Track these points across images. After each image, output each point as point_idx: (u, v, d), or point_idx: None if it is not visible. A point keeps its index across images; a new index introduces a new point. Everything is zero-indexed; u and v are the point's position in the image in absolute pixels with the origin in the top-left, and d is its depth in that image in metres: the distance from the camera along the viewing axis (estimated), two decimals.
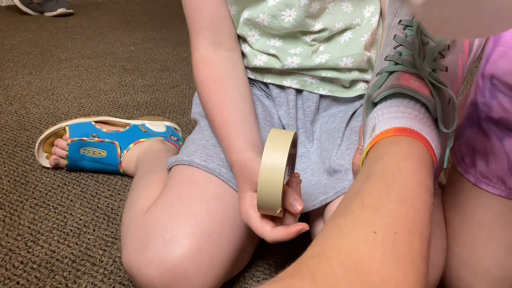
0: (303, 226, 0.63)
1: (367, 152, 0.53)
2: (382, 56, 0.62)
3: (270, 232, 0.62)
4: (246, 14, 0.80)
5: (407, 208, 0.43)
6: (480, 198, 0.71)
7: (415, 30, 0.60)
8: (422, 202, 0.44)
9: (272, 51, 0.81)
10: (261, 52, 0.82)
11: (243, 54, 0.85)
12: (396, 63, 0.60)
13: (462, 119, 0.76)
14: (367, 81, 0.83)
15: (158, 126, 1.11)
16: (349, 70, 0.80)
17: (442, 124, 0.56)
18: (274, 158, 0.59)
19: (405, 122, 0.53)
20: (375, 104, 0.59)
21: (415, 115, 0.54)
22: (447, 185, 0.78)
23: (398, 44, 0.62)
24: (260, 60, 0.82)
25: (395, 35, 0.62)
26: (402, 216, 0.42)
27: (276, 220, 0.65)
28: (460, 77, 0.64)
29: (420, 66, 0.57)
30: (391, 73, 0.59)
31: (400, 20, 0.64)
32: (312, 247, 0.40)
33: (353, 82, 0.83)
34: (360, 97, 0.84)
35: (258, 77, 0.85)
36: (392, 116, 0.54)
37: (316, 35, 0.79)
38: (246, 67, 0.85)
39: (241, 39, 0.84)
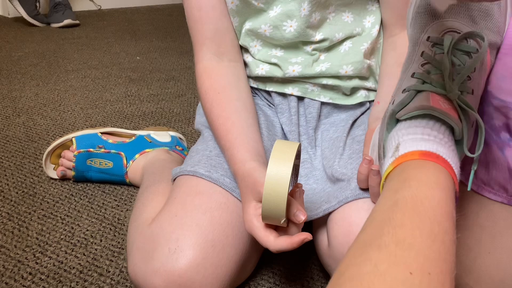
0: (306, 236, 0.63)
1: (390, 171, 0.53)
2: (408, 72, 0.61)
3: (274, 241, 0.63)
4: (248, 25, 0.81)
5: (438, 245, 0.43)
6: (482, 204, 0.71)
7: (446, 51, 0.58)
8: (450, 238, 0.45)
9: (274, 60, 0.82)
10: (263, 61, 0.83)
11: (245, 64, 0.86)
12: (424, 82, 0.59)
13: None
14: (367, 89, 0.84)
15: (163, 136, 1.12)
16: (350, 77, 0.81)
17: (466, 148, 0.55)
18: (279, 169, 0.60)
19: (431, 146, 0.52)
20: (397, 121, 0.58)
21: (440, 139, 0.53)
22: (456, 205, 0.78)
23: (426, 61, 0.61)
24: (262, 69, 0.83)
25: (423, 51, 0.61)
26: (435, 255, 0.42)
27: (279, 229, 0.66)
28: (480, 97, 0.63)
29: (450, 88, 0.56)
30: (418, 91, 0.59)
31: (429, 37, 0.62)
32: (348, 283, 0.40)
33: (354, 90, 0.84)
34: (361, 104, 0.85)
35: (260, 85, 0.86)
36: (417, 138, 0.53)
37: (317, 45, 0.80)
38: (248, 77, 0.86)
39: (243, 49, 0.86)
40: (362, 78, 0.83)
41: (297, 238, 0.63)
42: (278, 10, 0.78)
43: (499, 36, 0.65)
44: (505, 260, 0.69)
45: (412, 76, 0.60)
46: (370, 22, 0.80)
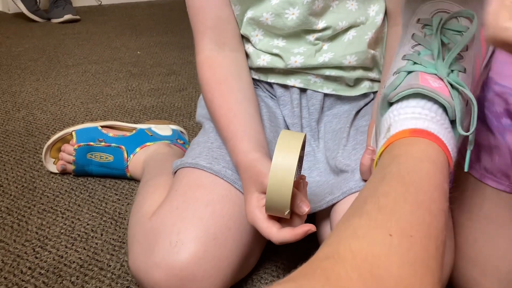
0: (310, 227, 0.62)
1: (382, 152, 0.52)
2: (399, 55, 0.61)
3: (277, 233, 0.62)
4: (249, 13, 0.80)
5: (423, 212, 0.42)
6: (486, 194, 0.70)
7: (435, 30, 0.58)
8: (438, 206, 0.44)
9: (276, 51, 0.80)
10: (264, 52, 0.82)
11: (247, 55, 0.84)
12: (415, 63, 0.59)
13: None
14: (371, 80, 0.83)
15: (164, 129, 1.10)
16: (353, 68, 0.80)
17: (460, 127, 0.55)
18: (284, 159, 0.59)
19: (422, 124, 0.52)
20: (390, 104, 0.58)
21: (432, 117, 0.53)
22: (451, 182, 0.77)
23: (417, 43, 0.60)
24: (263, 60, 0.82)
25: (413, 33, 0.61)
26: (418, 220, 0.41)
27: (282, 221, 0.65)
28: (477, 78, 0.63)
29: (440, 67, 0.56)
30: (409, 72, 0.58)
31: (419, 19, 0.62)
32: (326, 248, 0.39)
33: (358, 81, 0.82)
34: (365, 95, 0.84)
35: (262, 77, 0.85)
36: (408, 117, 0.53)
37: (320, 34, 0.79)
38: (250, 68, 0.85)
39: (244, 39, 0.84)
40: (366, 68, 0.81)
41: (300, 229, 0.62)
42: None
43: None
44: (511, 250, 0.68)
45: (403, 58, 0.60)
46: (374, 10, 0.79)
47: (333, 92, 0.82)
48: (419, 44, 0.60)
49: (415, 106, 0.54)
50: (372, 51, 0.80)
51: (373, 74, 0.82)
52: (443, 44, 0.58)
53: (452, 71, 0.57)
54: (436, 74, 0.56)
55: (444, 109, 0.54)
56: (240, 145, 0.70)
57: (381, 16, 0.79)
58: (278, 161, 0.59)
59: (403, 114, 0.53)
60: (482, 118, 0.70)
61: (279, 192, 0.59)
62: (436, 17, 0.59)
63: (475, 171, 0.71)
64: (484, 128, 0.70)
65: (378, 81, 0.83)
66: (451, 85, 0.55)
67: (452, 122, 0.55)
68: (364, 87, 0.83)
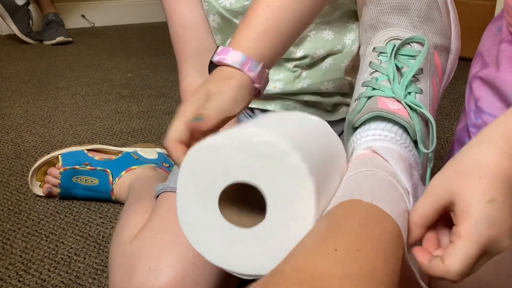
0: None
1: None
2: (359, 82, 0.64)
3: None
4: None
5: (372, 226, 0.43)
6: None
7: (388, 56, 0.62)
8: (389, 220, 0.45)
9: None
10: None
11: None
12: (373, 88, 0.62)
13: (452, 143, 0.78)
14: (349, 105, 0.85)
15: (150, 153, 1.12)
16: (331, 94, 0.82)
17: (422, 145, 0.57)
18: None
19: (380, 144, 0.54)
20: (355, 129, 0.61)
21: (391, 137, 0.55)
22: None
23: (374, 70, 0.64)
24: None
25: (370, 61, 0.64)
26: (366, 234, 0.42)
27: None
28: (436, 98, 0.65)
29: (397, 90, 0.59)
30: (369, 98, 0.61)
31: (374, 48, 0.66)
32: (275, 267, 0.41)
33: (336, 106, 0.84)
34: (343, 120, 0.86)
35: None
36: (369, 139, 0.56)
37: (298, 62, 0.81)
38: None
39: None
40: (343, 94, 0.83)
41: None
42: None
43: (445, 38, 0.68)
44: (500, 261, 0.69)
45: (363, 85, 0.63)
46: (350, 39, 0.81)
47: None
48: (376, 71, 0.63)
49: (376, 128, 0.56)
50: (349, 78, 0.82)
51: (350, 100, 0.84)
52: (398, 68, 0.62)
53: (409, 93, 0.60)
54: (394, 97, 0.59)
55: (405, 130, 0.57)
56: None
57: (357, 44, 0.81)
58: None
59: (364, 137, 0.56)
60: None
61: None
62: (390, 44, 0.63)
63: None
64: None
65: None
66: (409, 106, 0.58)
67: (415, 142, 0.58)
68: (342, 112, 0.85)
